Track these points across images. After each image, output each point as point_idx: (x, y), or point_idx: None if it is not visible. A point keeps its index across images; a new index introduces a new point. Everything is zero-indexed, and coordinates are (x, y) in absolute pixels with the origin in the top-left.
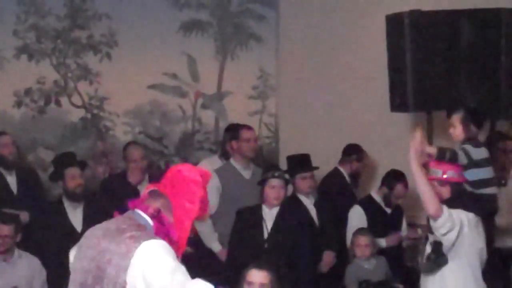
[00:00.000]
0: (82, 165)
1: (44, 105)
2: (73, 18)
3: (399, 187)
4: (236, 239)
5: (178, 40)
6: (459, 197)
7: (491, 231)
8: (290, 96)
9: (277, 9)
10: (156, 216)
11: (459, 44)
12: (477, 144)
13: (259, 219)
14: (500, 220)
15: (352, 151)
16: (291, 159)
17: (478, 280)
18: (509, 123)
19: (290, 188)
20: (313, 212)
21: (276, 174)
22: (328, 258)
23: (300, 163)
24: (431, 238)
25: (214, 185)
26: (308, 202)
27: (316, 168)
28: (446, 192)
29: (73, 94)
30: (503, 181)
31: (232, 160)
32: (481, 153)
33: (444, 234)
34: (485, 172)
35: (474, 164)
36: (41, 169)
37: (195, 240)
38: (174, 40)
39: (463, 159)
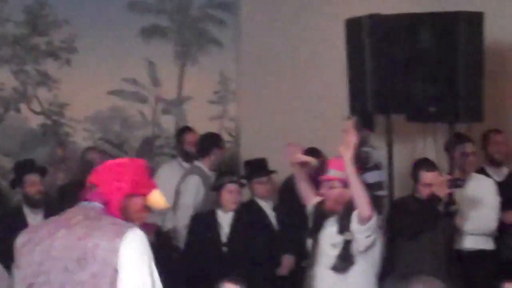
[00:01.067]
0: (43, 171)
1: (3, 112)
2: (32, 25)
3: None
4: (192, 244)
5: (138, 45)
6: None
7: (451, 233)
8: (250, 100)
9: (237, 14)
10: (103, 202)
11: (418, 48)
12: (374, 147)
13: (215, 224)
14: (459, 222)
15: (311, 155)
16: (248, 163)
17: (376, 280)
18: (467, 126)
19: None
20: (271, 216)
21: (234, 179)
22: (287, 261)
23: (257, 167)
24: (334, 239)
25: (197, 185)
26: (267, 206)
27: (273, 172)
28: (348, 193)
29: (33, 100)
30: (459, 183)
31: (199, 164)
32: (379, 155)
33: (368, 236)
34: (383, 175)
35: (375, 166)
36: (0, 177)
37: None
38: (134, 45)
39: (370, 162)
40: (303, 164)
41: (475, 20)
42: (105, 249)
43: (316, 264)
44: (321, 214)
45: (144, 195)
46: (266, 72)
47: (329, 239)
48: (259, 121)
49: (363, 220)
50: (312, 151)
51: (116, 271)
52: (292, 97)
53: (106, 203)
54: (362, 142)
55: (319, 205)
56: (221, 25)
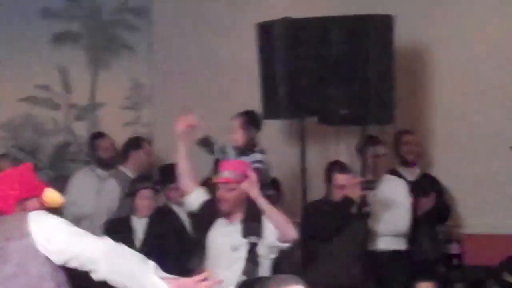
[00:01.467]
0: None
1: None
2: None
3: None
4: None
5: (50, 51)
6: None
7: (365, 235)
8: (164, 106)
9: (149, 19)
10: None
11: (330, 51)
12: (262, 150)
13: (129, 229)
14: (372, 223)
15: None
16: (162, 169)
17: None
18: (380, 128)
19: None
20: (186, 221)
21: (148, 185)
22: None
23: (172, 172)
24: (234, 241)
25: (112, 189)
26: (181, 211)
27: None
28: (245, 194)
29: None
30: (371, 185)
31: (123, 168)
32: (266, 157)
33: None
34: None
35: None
36: None
37: None
38: (46, 51)
39: (266, 170)
40: (190, 130)
41: (385, 23)
42: (17, 238)
43: (215, 266)
44: (211, 214)
45: (37, 196)
46: (179, 77)
47: (226, 241)
48: (173, 127)
49: (287, 241)
50: None
51: (38, 251)
52: (206, 102)
53: (1, 213)
54: (251, 142)
55: (208, 204)
56: (133, 30)
